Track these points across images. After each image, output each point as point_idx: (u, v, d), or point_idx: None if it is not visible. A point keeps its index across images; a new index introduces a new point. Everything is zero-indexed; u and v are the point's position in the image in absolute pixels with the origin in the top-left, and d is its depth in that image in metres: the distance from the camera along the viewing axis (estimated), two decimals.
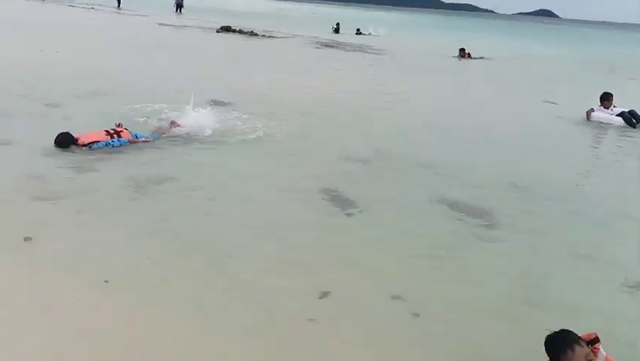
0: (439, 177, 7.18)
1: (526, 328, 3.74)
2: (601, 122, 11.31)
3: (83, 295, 3.84)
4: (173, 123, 8.14)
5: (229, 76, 14.37)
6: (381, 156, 7.91)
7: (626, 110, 11.27)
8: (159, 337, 3.48)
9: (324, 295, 4.07)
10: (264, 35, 27.66)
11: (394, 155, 8.06)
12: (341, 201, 5.97)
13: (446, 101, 13.29)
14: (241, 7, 57.93)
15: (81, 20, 28.53)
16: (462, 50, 23.91)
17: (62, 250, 4.45)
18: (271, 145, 8.05)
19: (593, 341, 2.89)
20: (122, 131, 7.42)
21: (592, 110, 11.52)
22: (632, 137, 10.42)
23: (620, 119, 11.16)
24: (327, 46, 25.65)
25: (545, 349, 2.90)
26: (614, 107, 11.39)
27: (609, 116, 11.32)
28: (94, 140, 7.12)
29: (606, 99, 11.47)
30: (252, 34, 27.67)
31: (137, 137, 7.53)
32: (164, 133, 7.91)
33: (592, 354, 2.78)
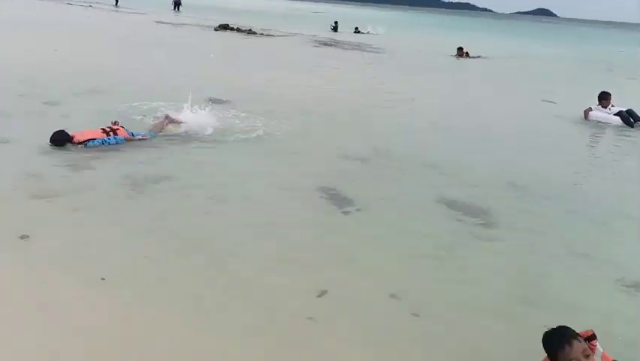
0: (437, 175, 7.18)
1: (525, 327, 3.73)
2: (599, 122, 11.32)
3: (80, 294, 3.82)
4: (167, 117, 8.09)
5: (227, 74, 14.36)
6: (379, 155, 7.91)
7: (624, 109, 11.28)
8: (157, 335, 3.46)
9: (324, 293, 4.06)
10: (262, 34, 27.65)
11: (393, 153, 8.06)
12: (340, 200, 5.96)
13: (444, 100, 13.30)
14: (239, 5, 57.86)
15: (79, 18, 28.49)
16: (460, 49, 23.92)
17: (59, 248, 4.43)
18: (270, 143, 8.04)
19: (590, 338, 2.90)
20: (118, 129, 7.40)
21: (590, 109, 11.53)
22: (629, 136, 10.44)
23: (617, 118, 11.17)
24: (325, 44, 25.64)
25: (543, 345, 2.91)
26: (612, 106, 11.40)
27: (607, 115, 11.33)
28: (90, 138, 7.10)
29: (604, 98, 11.48)
30: (250, 32, 27.65)
31: (133, 135, 7.51)
32: (160, 130, 7.88)
33: (589, 350, 2.79)
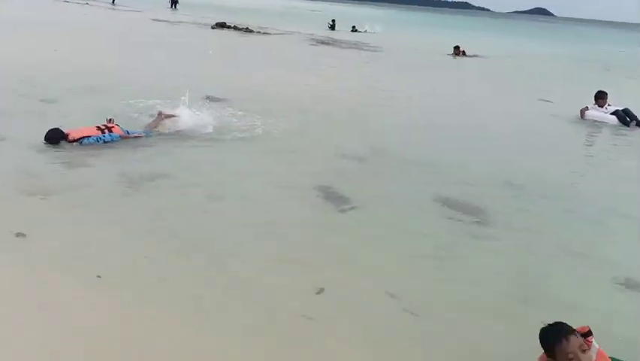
0: (434, 174, 7.20)
1: (524, 326, 3.73)
2: (595, 121, 11.36)
3: (79, 293, 3.82)
4: (161, 114, 8.03)
5: (224, 73, 14.32)
6: (376, 153, 7.92)
7: (621, 108, 11.32)
8: (157, 335, 3.46)
9: (323, 293, 4.07)
10: (259, 32, 27.59)
11: (390, 152, 8.07)
12: (337, 199, 5.97)
13: (441, 99, 13.31)
14: (236, 3, 57.68)
15: (76, 16, 28.35)
16: (456, 48, 23.93)
17: (58, 248, 4.42)
18: (268, 142, 8.03)
19: (586, 334, 2.92)
20: (113, 126, 7.38)
21: (586, 108, 11.57)
22: (625, 135, 10.48)
23: (614, 117, 11.21)
24: (322, 43, 25.61)
25: (540, 340, 2.93)
26: (609, 105, 11.44)
27: (603, 114, 11.36)
28: (84, 135, 7.09)
29: (600, 98, 11.52)
30: (248, 30, 27.60)
31: (128, 132, 7.49)
32: (156, 127, 7.85)
33: (585, 345, 2.81)
